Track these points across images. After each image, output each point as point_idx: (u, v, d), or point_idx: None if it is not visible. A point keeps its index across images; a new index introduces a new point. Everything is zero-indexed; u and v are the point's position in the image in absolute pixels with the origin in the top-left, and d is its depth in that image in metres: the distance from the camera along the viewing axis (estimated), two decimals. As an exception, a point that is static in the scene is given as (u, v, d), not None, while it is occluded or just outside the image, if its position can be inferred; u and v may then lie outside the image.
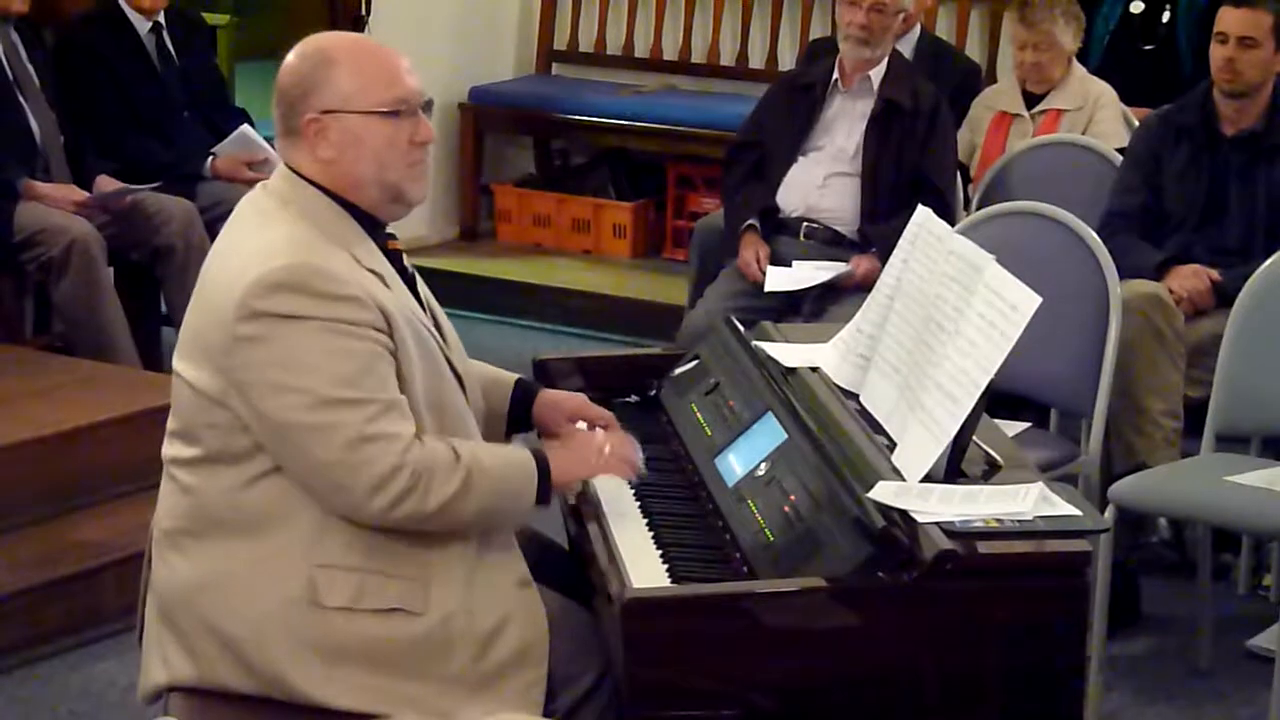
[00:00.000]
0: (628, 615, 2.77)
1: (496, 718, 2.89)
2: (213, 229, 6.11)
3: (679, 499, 3.24)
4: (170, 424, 3.09)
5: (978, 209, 5.43)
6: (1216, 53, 5.33)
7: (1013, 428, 4.46)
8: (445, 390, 3.09)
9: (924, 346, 3.15)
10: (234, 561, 2.98)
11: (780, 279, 5.69)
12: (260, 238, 3.00)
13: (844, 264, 5.71)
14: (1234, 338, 4.68)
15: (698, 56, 8.53)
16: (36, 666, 4.60)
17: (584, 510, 3.18)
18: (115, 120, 6.41)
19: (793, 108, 5.95)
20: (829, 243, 5.85)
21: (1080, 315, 4.64)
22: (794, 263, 5.75)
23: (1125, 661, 4.72)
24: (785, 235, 5.85)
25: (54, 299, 5.92)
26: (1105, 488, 4.55)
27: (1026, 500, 2.94)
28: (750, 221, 5.82)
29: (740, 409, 3.42)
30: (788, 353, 3.58)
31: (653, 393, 3.77)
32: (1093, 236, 4.77)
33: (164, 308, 6.42)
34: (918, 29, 6.63)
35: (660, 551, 3.05)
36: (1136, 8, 6.99)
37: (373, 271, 3.02)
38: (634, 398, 3.79)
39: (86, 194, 6.05)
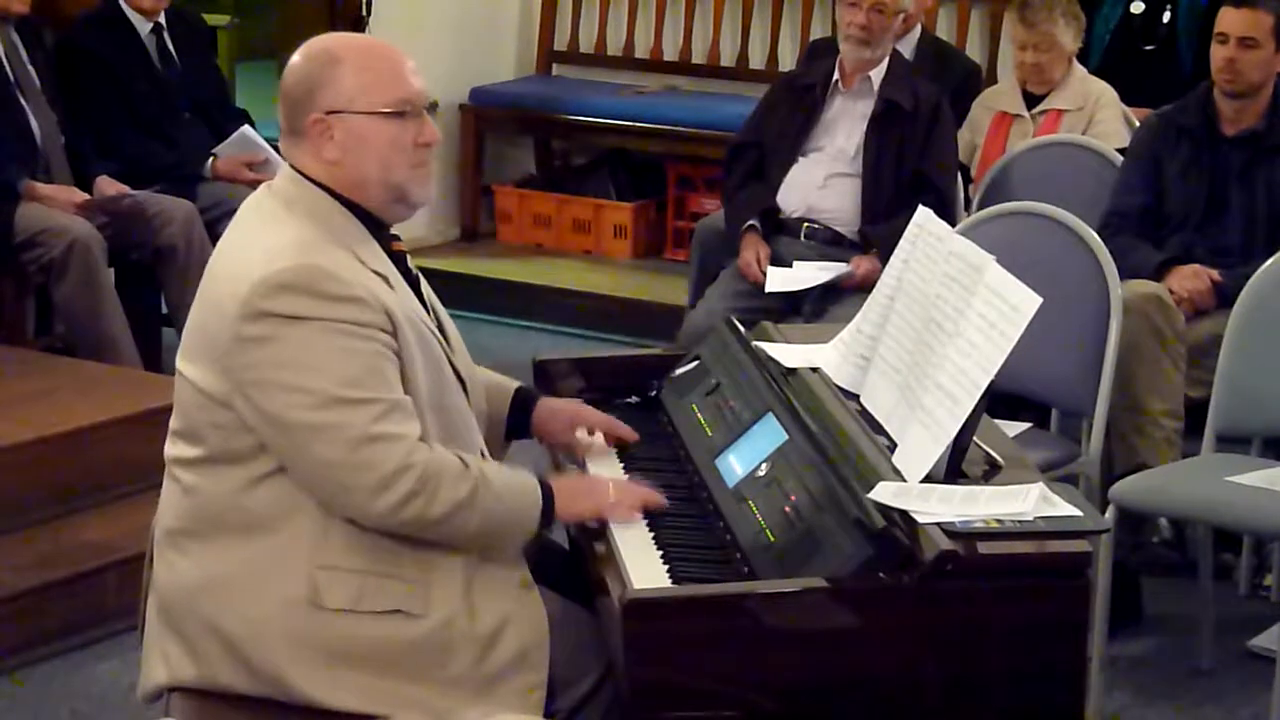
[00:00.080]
0: (628, 616, 2.77)
1: (496, 719, 2.89)
2: (213, 230, 6.16)
3: (679, 499, 3.24)
4: (173, 424, 3.09)
5: (978, 209, 5.43)
6: (1217, 53, 5.33)
7: (1013, 428, 4.47)
8: (448, 392, 3.09)
9: (924, 347, 3.15)
10: (235, 562, 2.98)
11: (781, 279, 5.69)
12: (265, 238, 3.00)
13: (844, 264, 5.72)
14: (1234, 338, 4.68)
15: (698, 57, 8.53)
16: (38, 667, 4.60)
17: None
18: (116, 121, 6.42)
19: (793, 108, 5.96)
20: (829, 243, 5.85)
21: (1081, 315, 4.64)
22: (794, 263, 5.76)
23: (1126, 661, 4.73)
24: (786, 236, 5.86)
25: (55, 300, 5.92)
26: (1106, 488, 4.55)
27: (1027, 500, 2.94)
28: (751, 222, 5.82)
29: (741, 409, 3.42)
30: (788, 353, 3.58)
31: (653, 393, 3.77)
32: (1093, 237, 4.77)
33: (165, 308, 6.42)
34: (918, 29, 6.63)
35: (661, 552, 3.05)
36: (1137, 8, 6.99)
37: (377, 273, 3.02)
38: (634, 398, 3.79)
39: (87, 196, 6.05)
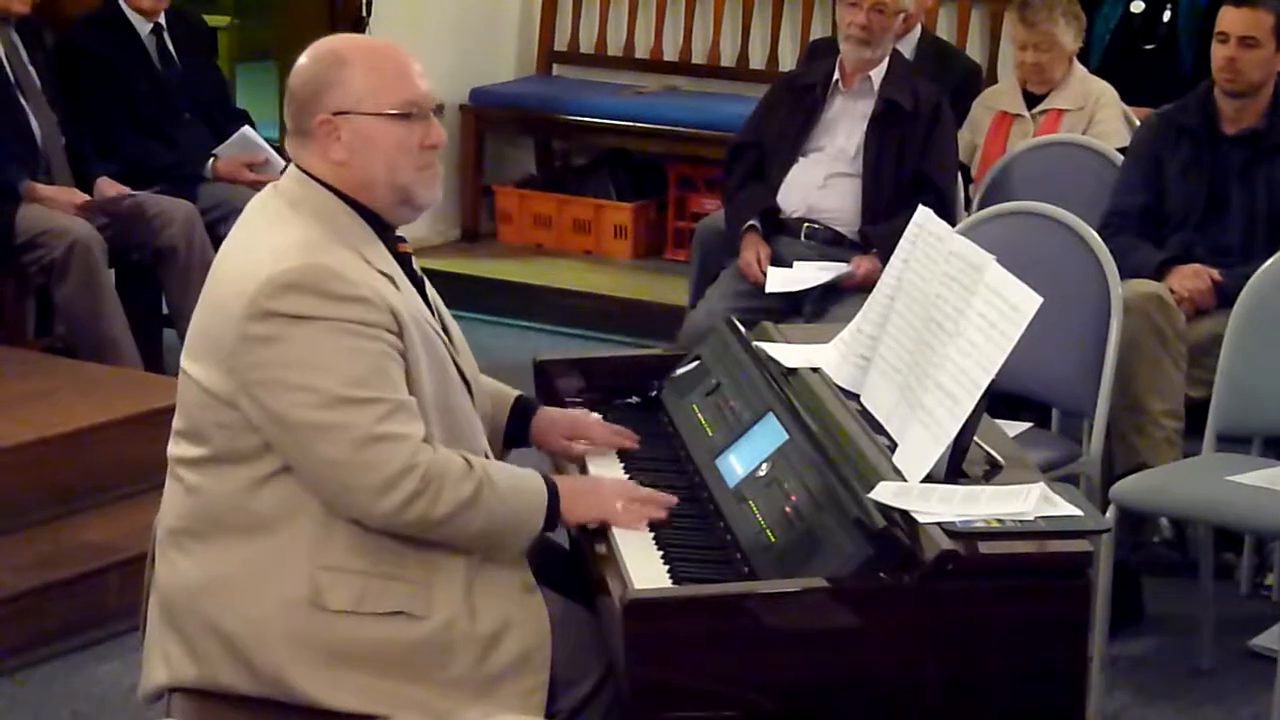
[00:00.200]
0: (629, 616, 2.77)
1: (496, 719, 2.89)
2: (214, 230, 6.16)
3: (680, 499, 3.24)
4: (176, 423, 3.09)
5: (979, 209, 5.43)
6: (1217, 52, 5.33)
7: (1014, 428, 4.47)
8: (453, 393, 3.09)
9: (925, 347, 3.15)
10: (237, 562, 2.98)
11: (781, 280, 5.70)
12: (271, 238, 3.00)
13: (845, 264, 5.72)
14: (1235, 337, 4.68)
15: (698, 57, 8.53)
16: (39, 667, 4.60)
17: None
18: (116, 122, 6.42)
19: (793, 108, 5.96)
20: (830, 243, 5.85)
21: (1081, 315, 4.64)
22: (795, 263, 5.76)
23: (1127, 661, 4.73)
24: (786, 236, 5.86)
25: (55, 301, 5.92)
26: (1106, 488, 4.55)
27: (1028, 500, 2.94)
28: (751, 222, 5.82)
29: (741, 410, 3.42)
30: (788, 353, 3.58)
31: (654, 394, 3.77)
32: (1094, 236, 4.77)
33: (165, 309, 6.43)
34: (918, 29, 6.63)
35: (661, 552, 3.05)
36: (1137, 7, 6.99)
37: (383, 273, 3.02)
38: (635, 399, 3.79)
39: (87, 197, 6.05)
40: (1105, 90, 6.28)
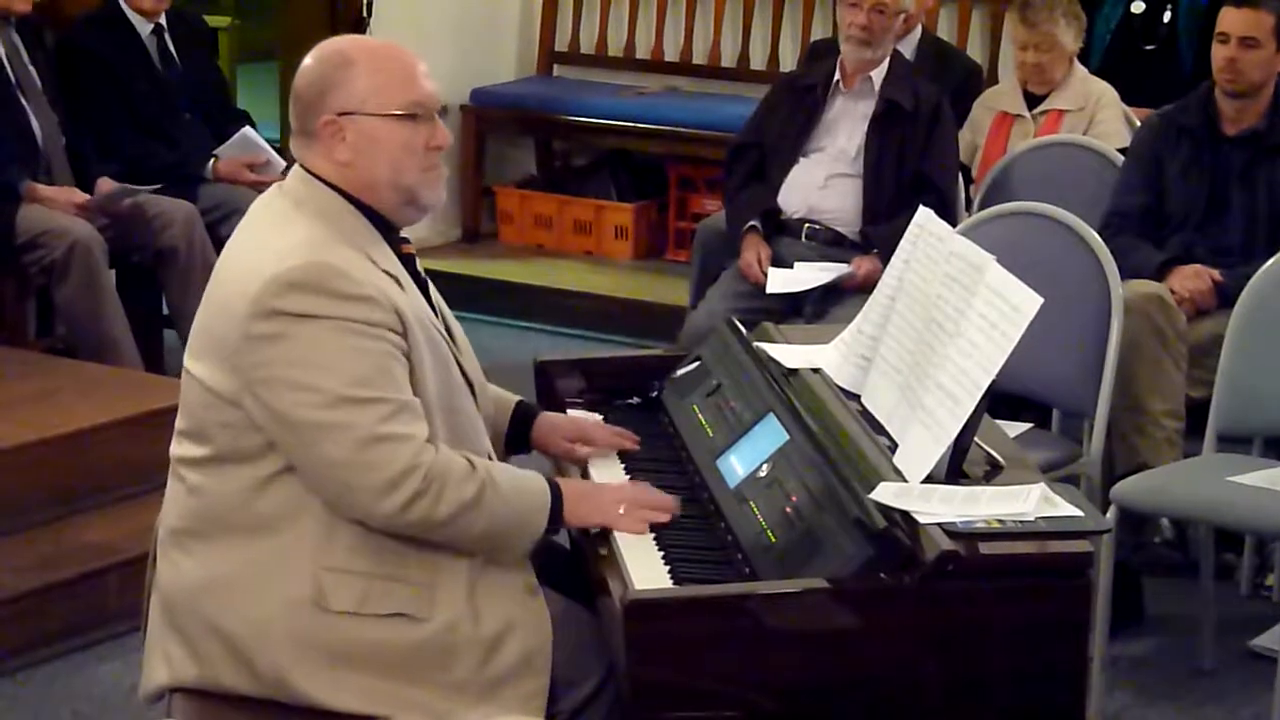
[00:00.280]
0: (629, 616, 2.77)
1: None
2: (214, 231, 6.16)
3: (681, 500, 3.24)
4: (179, 423, 3.09)
5: (979, 209, 5.44)
6: (1218, 53, 5.34)
7: (1014, 428, 4.47)
8: (457, 395, 3.09)
9: (925, 347, 3.15)
10: (240, 562, 2.98)
11: (782, 280, 5.70)
12: (276, 237, 3.00)
13: (845, 265, 5.72)
14: (1235, 338, 4.68)
15: (699, 58, 8.54)
16: (40, 668, 4.60)
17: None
18: (117, 122, 6.42)
19: (794, 109, 5.96)
20: (831, 244, 5.85)
21: (1082, 316, 4.64)
22: (795, 264, 5.76)
23: (1128, 661, 4.73)
24: (787, 236, 5.86)
25: (56, 302, 5.92)
26: (1107, 488, 4.55)
27: (1028, 501, 2.94)
28: (752, 223, 5.82)
29: (742, 410, 3.42)
30: (789, 354, 3.58)
31: (654, 394, 3.77)
32: (1094, 237, 4.77)
33: (166, 310, 6.43)
34: (919, 30, 6.63)
35: (662, 553, 3.05)
36: (1138, 8, 6.99)
37: (388, 273, 3.02)
38: (636, 399, 3.79)
39: (87, 196, 6.05)
40: (1106, 91, 6.28)
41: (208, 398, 3.00)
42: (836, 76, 5.91)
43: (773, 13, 8.33)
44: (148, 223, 6.11)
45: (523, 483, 3.06)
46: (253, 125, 6.70)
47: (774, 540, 2.99)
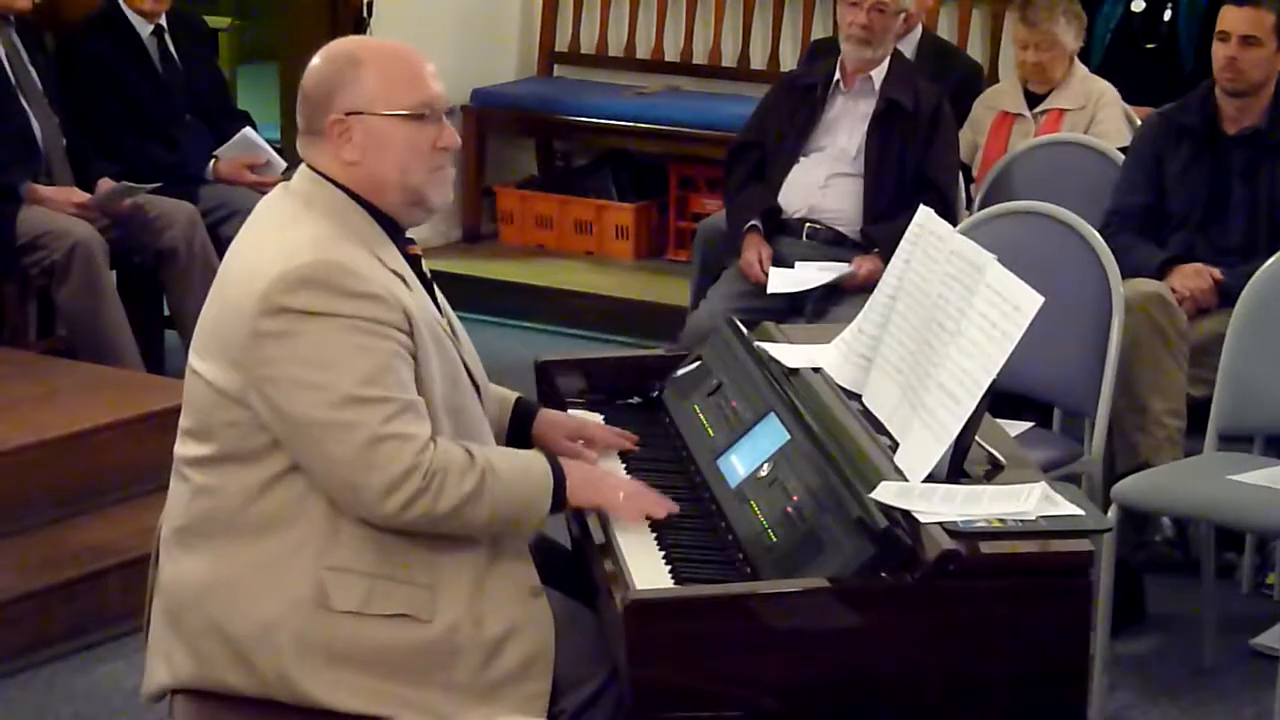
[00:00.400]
0: (630, 616, 2.77)
1: (499, 720, 2.90)
2: (215, 232, 6.17)
3: (681, 500, 3.24)
4: (183, 422, 3.09)
5: (980, 209, 5.44)
6: (1218, 51, 5.34)
7: (1015, 427, 4.47)
8: (463, 395, 3.09)
9: (926, 346, 3.15)
10: (244, 562, 2.98)
11: (782, 280, 5.70)
12: (283, 236, 3.00)
13: (846, 265, 5.72)
14: (1236, 336, 4.68)
15: (699, 57, 8.53)
16: (41, 670, 4.60)
17: (586, 511, 3.18)
18: (117, 123, 6.42)
19: (794, 108, 5.96)
20: (831, 243, 5.85)
21: (1083, 315, 4.64)
22: (796, 264, 5.76)
23: (1129, 660, 4.73)
24: (787, 236, 5.86)
25: (57, 303, 5.92)
26: (1108, 487, 4.55)
27: (1029, 500, 2.94)
28: (752, 222, 5.82)
29: (742, 410, 3.42)
30: (790, 353, 3.58)
31: (655, 394, 3.77)
32: (1095, 236, 4.77)
33: (166, 310, 6.43)
34: (919, 29, 6.62)
35: (663, 552, 3.05)
36: (1138, 6, 6.99)
37: (394, 273, 3.02)
38: (636, 399, 3.79)
39: (88, 195, 6.05)
40: (1106, 90, 6.28)
41: (214, 396, 3.00)
42: (837, 76, 5.91)
43: (773, 12, 8.33)
44: (148, 224, 6.11)
45: (524, 466, 3.06)
46: (253, 126, 6.70)
47: (775, 540, 2.99)
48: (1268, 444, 4.95)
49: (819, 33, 7.93)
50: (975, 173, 6.25)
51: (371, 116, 3.03)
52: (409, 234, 3.18)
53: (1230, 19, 5.32)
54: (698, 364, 3.72)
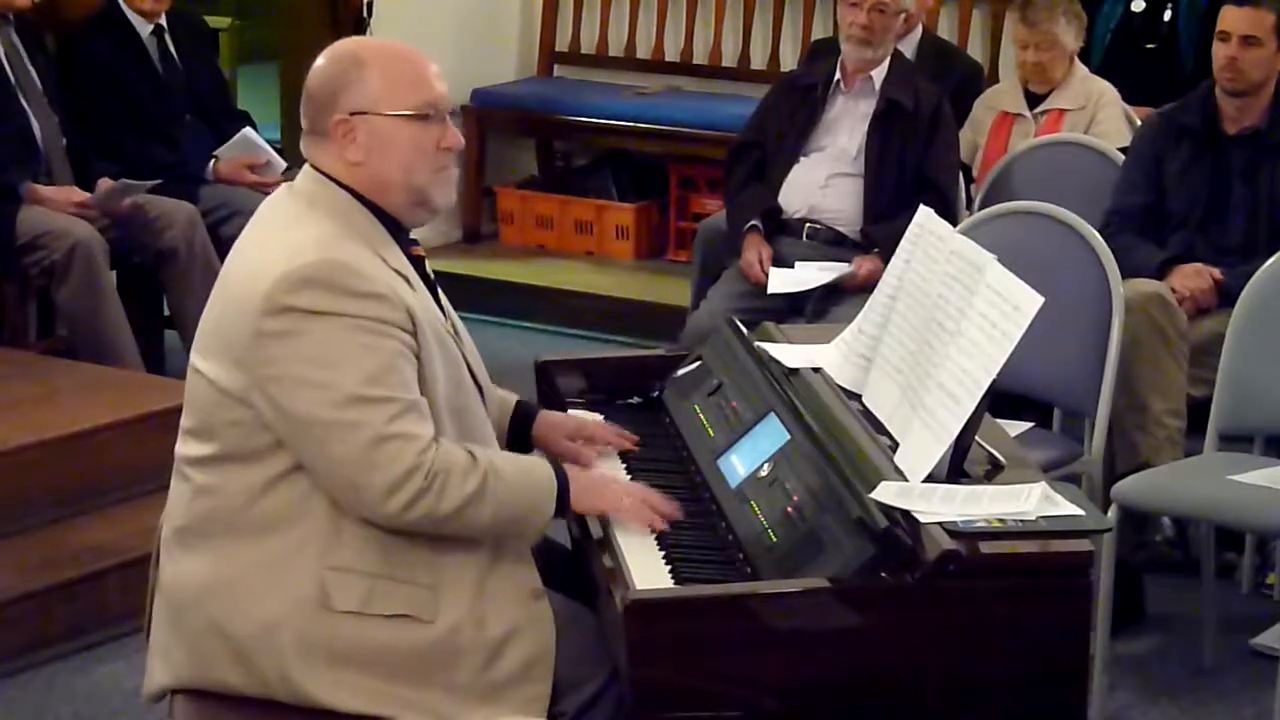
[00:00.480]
0: (630, 616, 2.77)
1: (499, 720, 2.90)
2: (215, 232, 6.16)
3: (682, 500, 3.24)
4: (185, 421, 3.09)
5: (980, 209, 5.44)
6: (1218, 51, 5.34)
7: (1015, 427, 4.47)
8: (465, 397, 3.09)
9: (926, 347, 3.15)
10: (245, 562, 2.98)
11: (783, 280, 5.69)
12: (287, 236, 3.00)
13: (846, 265, 5.71)
14: (1237, 336, 4.68)
15: (700, 58, 8.53)
16: (41, 670, 4.60)
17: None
18: (117, 123, 6.41)
19: (794, 108, 5.95)
20: (831, 243, 5.85)
21: (1083, 315, 4.64)
22: (796, 264, 5.76)
23: (1129, 660, 4.73)
24: (788, 236, 5.86)
25: (57, 303, 5.92)
26: (1108, 487, 4.55)
27: (1029, 500, 2.94)
28: (753, 222, 5.82)
29: (743, 410, 3.42)
30: (790, 353, 3.58)
31: (655, 394, 3.77)
32: (1095, 236, 4.77)
33: (166, 311, 6.43)
34: (919, 29, 6.62)
35: (663, 552, 3.05)
36: (1138, 6, 6.99)
37: (398, 273, 3.02)
38: (637, 399, 3.79)
39: (87, 195, 6.05)
40: (1107, 90, 6.28)
41: (216, 396, 3.00)
42: (837, 76, 5.91)
43: (773, 12, 8.33)
44: (148, 224, 6.11)
45: (528, 469, 3.06)
46: (253, 126, 6.70)
47: (775, 540, 2.99)
48: (1268, 444, 4.95)
49: (819, 33, 7.93)
50: (975, 173, 6.25)
51: (376, 117, 3.04)
52: (412, 235, 3.18)
53: (1230, 19, 5.32)
54: (698, 364, 3.72)
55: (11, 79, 6.07)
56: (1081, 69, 6.36)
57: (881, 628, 2.81)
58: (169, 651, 3.06)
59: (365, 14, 7.99)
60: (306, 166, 3.11)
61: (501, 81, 8.57)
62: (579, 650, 3.02)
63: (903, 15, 5.92)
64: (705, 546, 3.10)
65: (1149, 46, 6.96)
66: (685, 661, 2.79)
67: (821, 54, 6.41)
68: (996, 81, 7.07)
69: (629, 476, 3.37)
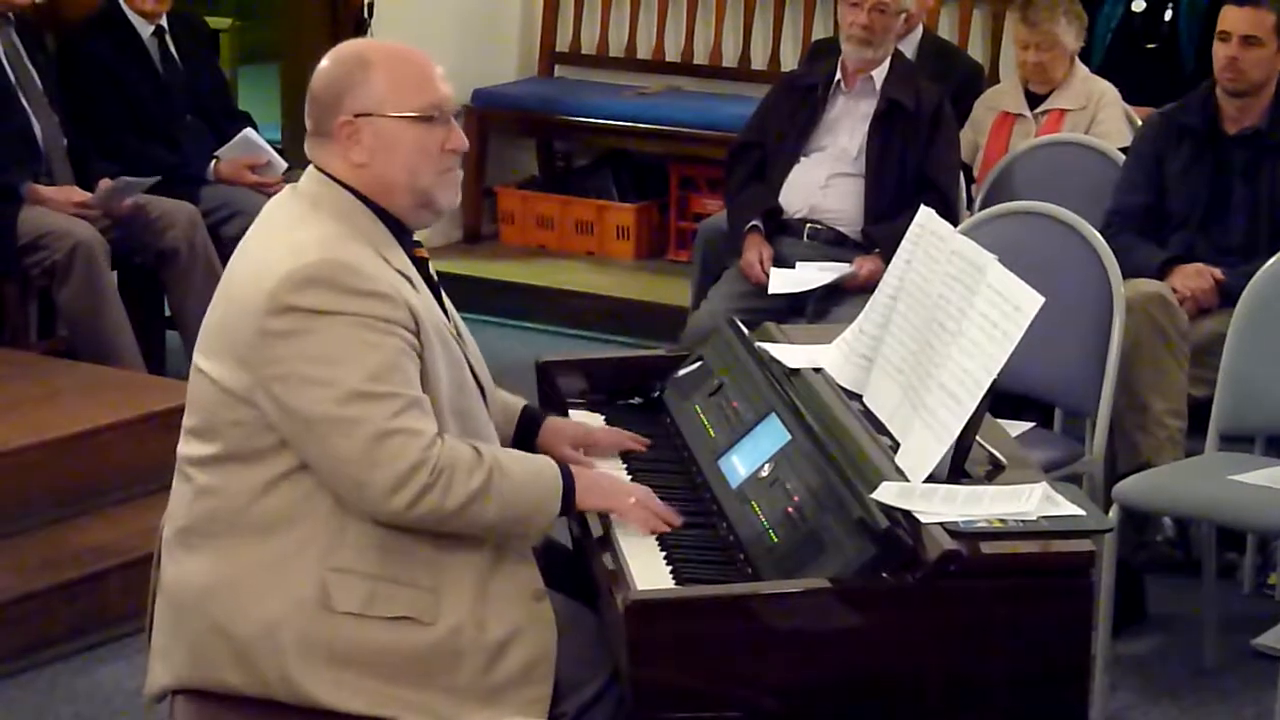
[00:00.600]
0: (631, 617, 2.77)
1: (501, 721, 2.90)
2: (216, 232, 6.16)
3: (683, 500, 3.24)
4: (187, 421, 3.09)
5: (981, 209, 5.44)
6: (1219, 51, 5.34)
7: (1016, 428, 4.46)
8: (468, 399, 3.09)
9: (927, 347, 3.15)
10: (247, 563, 2.98)
11: (783, 280, 5.69)
12: (290, 236, 3.00)
13: (847, 265, 5.72)
14: (1237, 336, 4.68)
15: (700, 58, 8.53)
16: (42, 670, 4.60)
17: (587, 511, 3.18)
18: (118, 124, 6.42)
19: (795, 108, 5.96)
20: (832, 244, 5.85)
21: (1084, 315, 4.64)
22: (797, 264, 5.76)
23: (1130, 661, 4.72)
24: (788, 236, 5.86)
25: (58, 303, 5.92)
26: (1109, 487, 4.55)
27: (1030, 500, 2.93)
28: (753, 223, 5.82)
29: (744, 410, 3.42)
30: (791, 353, 3.58)
31: (656, 394, 3.77)
32: (1096, 236, 4.77)
33: (167, 311, 6.43)
34: (920, 29, 6.62)
35: (664, 553, 3.05)
36: (1139, 6, 6.99)
37: (400, 273, 3.03)
38: (637, 399, 3.79)
39: (88, 194, 6.05)
40: (1107, 90, 6.28)
41: (220, 395, 3.00)
42: (838, 76, 5.91)
43: (774, 12, 8.33)
44: (149, 224, 6.11)
45: (533, 468, 3.06)
46: (254, 126, 6.69)
47: (776, 540, 2.99)
48: (1269, 444, 4.95)
49: (820, 33, 7.93)
50: (976, 173, 6.25)
51: (380, 118, 3.04)
52: (415, 236, 3.18)
53: (1231, 19, 5.32)
54: (699, 364, 3.72)
55: (12, 79, 6.08)
56: (1082, 69, 6.36)
57: (882, 628, 2.81)
58: (170, 652, 3.06)
59: (366, 14, 7.99)
60: (311, 168, 3.12)
61: (502, 82, 8.56)
62: (580, 651, 3.02)
63: (903, 15, 5.93)
64: (706, 547, 3.09)
65: (1149, 46, 6.96)
66: (686, 662, 2.79)
67: (822, 54, 6.41)
68: (997, 81, 7.07)
69: (629, 477, 3.37)
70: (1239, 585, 5.14)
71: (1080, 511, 2.94)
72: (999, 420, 3.47)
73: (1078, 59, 6.35)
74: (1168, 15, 6.95)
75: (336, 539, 2.96)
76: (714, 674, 2.79)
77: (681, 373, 3.75)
